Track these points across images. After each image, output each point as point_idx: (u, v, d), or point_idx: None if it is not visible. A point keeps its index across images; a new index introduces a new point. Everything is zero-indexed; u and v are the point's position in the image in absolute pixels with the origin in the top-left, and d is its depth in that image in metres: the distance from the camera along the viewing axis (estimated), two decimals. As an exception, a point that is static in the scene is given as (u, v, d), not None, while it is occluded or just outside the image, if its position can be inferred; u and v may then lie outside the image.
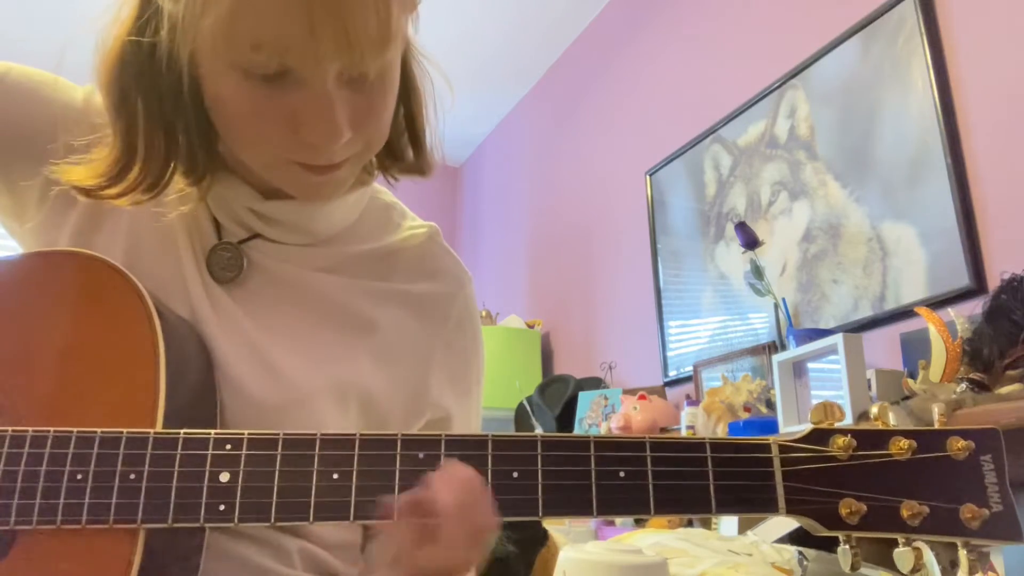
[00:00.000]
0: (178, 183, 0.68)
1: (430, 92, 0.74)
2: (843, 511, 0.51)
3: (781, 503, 0.52)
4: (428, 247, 0.80)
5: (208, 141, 0.66)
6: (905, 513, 0.51)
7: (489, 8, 3.35)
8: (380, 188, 0.82)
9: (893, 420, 0.52)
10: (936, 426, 0.51)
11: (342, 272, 0.75)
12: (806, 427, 0.54)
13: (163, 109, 0.62)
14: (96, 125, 0.69)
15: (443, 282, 0.79)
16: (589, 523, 2.15)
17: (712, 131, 2.57)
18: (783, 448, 0.53)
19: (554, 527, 1.78)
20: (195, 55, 0.59)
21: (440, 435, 0.54)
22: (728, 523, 1.73)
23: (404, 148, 0.74)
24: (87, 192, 0.64)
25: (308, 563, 0.68)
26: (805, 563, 1.30)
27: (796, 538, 1.42)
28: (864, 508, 0.51)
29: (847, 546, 0.51)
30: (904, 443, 0.51)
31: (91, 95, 0.72)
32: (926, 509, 0.51)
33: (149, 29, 0.60)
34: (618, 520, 2.13)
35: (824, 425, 0.53)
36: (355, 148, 0.64)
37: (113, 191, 0.63)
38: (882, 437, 0.53)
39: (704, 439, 0.53)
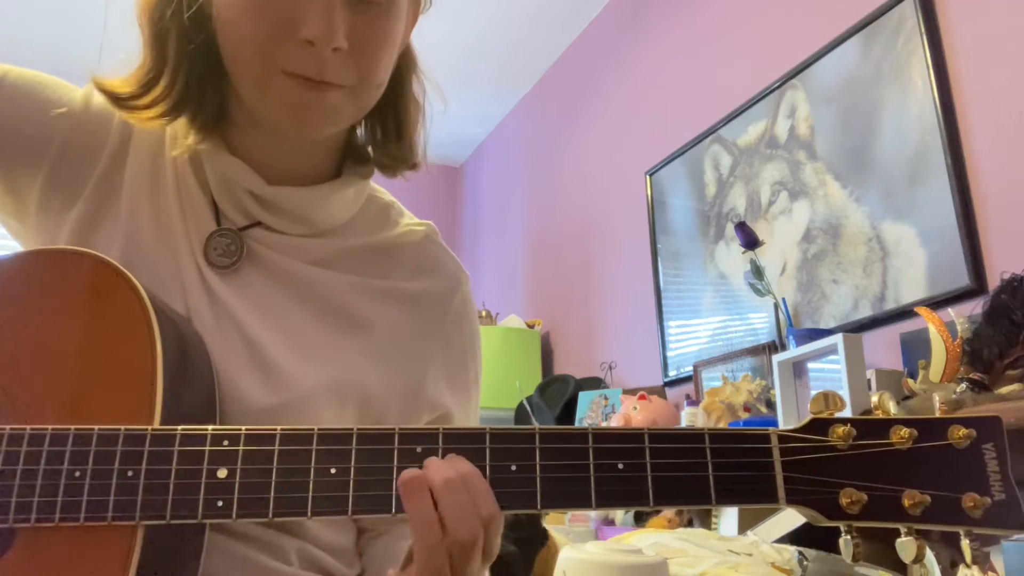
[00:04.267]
0: (183, 127, 0.71)
1: (423, 102, 0.78)
2: (844, 501, 0.51)
3: (781, 493, 0.52)
4: (425, 245, 0.81)
5: (219, 93, 0.70)
6: (906, 502, 0.50)
7: (489, 8, 3.35)
8: (379, 188, 0.83)
9: (894, 409, 0.52)
10: (937, 415, 0.51)
11: (340, 267, 0.75)
12: (806, 418, 0.54)
13: (187, 37, 0.67)
14: (94, 128, 0.69)
15: (440, 280, 0.79)
16: (589, 523, 2.14)
17: (712, 131, 2.57)
18: (782, 438, 0.53)
19: (554, 527, 1.77)
20: None
21: (438, 428, 0.54)
22: (728, 523, 1.73)
23: (390, 137, 0.77)
24: (118, 101, 0.68)
25: (306, 562, 0.68)
26: (805, 563, 1.29)
27: (796, 538, 1.42)
28: (865, 498, 0.51)
29: (848, 536, 0.50)
30: (905, 432, 0.51)
31: (90, 96, 0.72)
32: (927, 498, 0.50)
33: None
34: (618, 520, 2.13)
35: (824, 415, 0.53)
36: (347, 76, 0.66)
37: (141, 102, 0.68)
38: (882, 426, 0.52)
39: (703, 430, 0.53)
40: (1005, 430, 0.49)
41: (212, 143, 0.71)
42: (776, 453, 0.53)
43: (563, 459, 0.53)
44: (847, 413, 1.49)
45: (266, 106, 0.67)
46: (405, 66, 0.76)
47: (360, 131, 0.79)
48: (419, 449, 0.53)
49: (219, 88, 0.71)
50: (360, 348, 0.72)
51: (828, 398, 0.53)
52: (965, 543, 0.48)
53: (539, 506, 0.52)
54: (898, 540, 0.49)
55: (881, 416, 0.52)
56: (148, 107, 0.68)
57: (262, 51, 0.64)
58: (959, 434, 0.50)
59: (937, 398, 0.51)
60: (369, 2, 0.65)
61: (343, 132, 0.76)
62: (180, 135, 0.71)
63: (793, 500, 0.52)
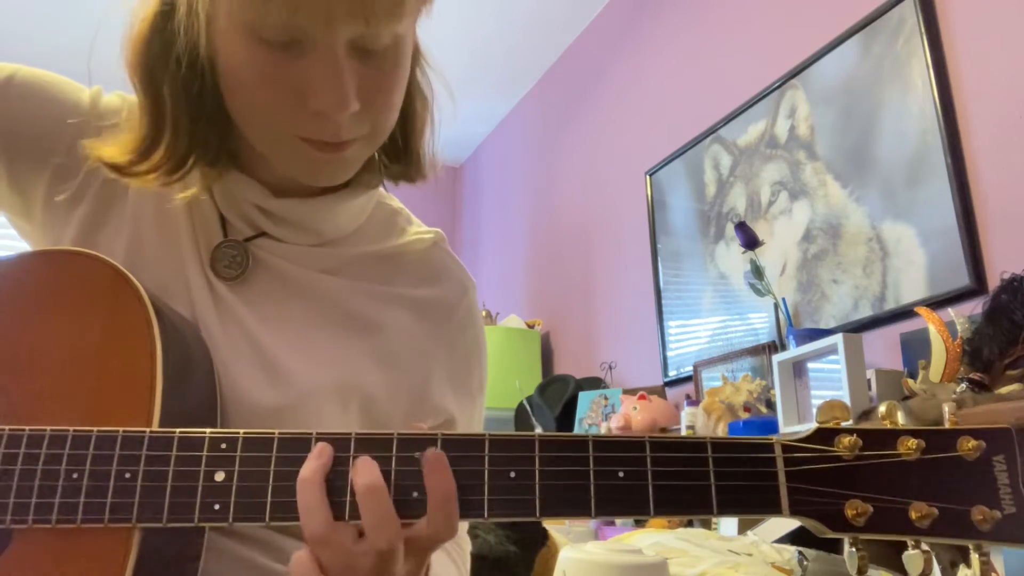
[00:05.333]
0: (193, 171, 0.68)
1: (431, 100, 0.74)
2: (849, 512, 0.50)
3: (784, 504, 0.51)
4: (433, 252, 0.80)
5: (223, 132, 0.67)
6: (914, 515, 0.49)
7: (489, 8, 3.35)
8: (387, 194, 0.83)
9: (902, 419, 0.51)
10: (947, 425, 0.50)
11: (346, 274, 0.74)
12: (810, 426, 0.53)
13: (186, 93, 0.63)
14: (101, 126, 0.69)
15: (447, 287, 0.79)
16: (589, 523, 2.14)
17: (712, 131, 2.56)
18: (786, 448, 0.52)
19: (554, 527, 1.77)
20: (211, 25, 0.60)
21: (437, 434, 0.54)
22: (728, 523, 1.73)
23: (400, 148, 0.74)
24: (118, 169, 0.65)
25: (307, 564, 0.68)
26: (805, 563, 1.29)
27: (796, 538, 1.42)
28: (871, 509, 0.50)
29: (854, 549, 0.49)
30: (912, 443, 0.50)
31: (98, 96, 0.72)
32: (935, 511, 0.49)
33: (171, 20, 0.61)
34: (618, 520, 2.13)
35: (830, 424, 0.52)
36: (362, 129, 0.64)
37: (140, 168, 0.65)
38: (890, 436, 0.51)
39: (705, 439, 0.52)
40: (1016, 442, 0.48)
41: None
42: (780, 463, 0.52)
43: (563, 467, 0.52)
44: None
45: (281, 162, 0.66)
46: (413, 72, 0.73)
47: None
48: (418, 454, 0.53)
49: (227, 138, 0.68)
50: (366, 351, 0.72)
51: (834, 407, 0.52)
52: (975, 557, 0.47)
53: (537, 514, 0.51)
54: (905, 553, 0.48)
55: (888, 426, 0.51)
56: (149, 172, 0.65)
57: (273, 121, 0.62)
58: (969, 445, 0.49)
59: (947, 408, 0.50)
60: (375, 52, 0.61)
61: None
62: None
63: (797, 511, 0.51)
